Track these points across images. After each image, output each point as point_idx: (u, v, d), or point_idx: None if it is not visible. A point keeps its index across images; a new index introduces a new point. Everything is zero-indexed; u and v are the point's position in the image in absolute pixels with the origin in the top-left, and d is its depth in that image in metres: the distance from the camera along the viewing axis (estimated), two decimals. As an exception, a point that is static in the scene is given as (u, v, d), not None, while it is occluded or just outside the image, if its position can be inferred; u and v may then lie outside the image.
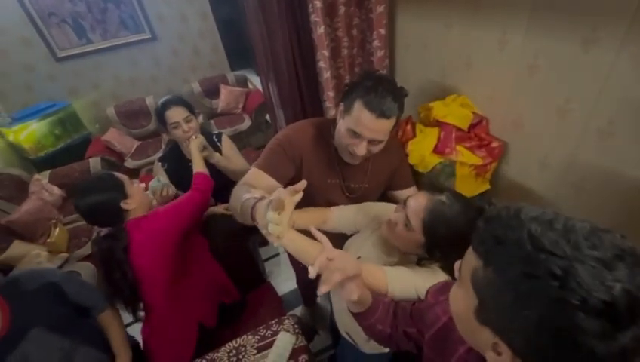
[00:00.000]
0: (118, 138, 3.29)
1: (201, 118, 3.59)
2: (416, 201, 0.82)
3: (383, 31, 1.46)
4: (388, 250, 0.96)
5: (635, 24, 0.75)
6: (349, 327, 1.14)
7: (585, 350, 0.33)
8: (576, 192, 1.01)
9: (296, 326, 1.30)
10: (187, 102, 1.55)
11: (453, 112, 1.15)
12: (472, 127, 1.21)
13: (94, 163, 2.95)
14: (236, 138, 3.35)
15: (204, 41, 3.71)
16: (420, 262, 0.91)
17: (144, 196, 1.27)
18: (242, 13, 1.93)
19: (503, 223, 0.40)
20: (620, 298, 0.32)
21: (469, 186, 1.17)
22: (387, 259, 0.96)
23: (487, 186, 1.23)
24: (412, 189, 1.16)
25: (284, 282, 2.20)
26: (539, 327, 0.35)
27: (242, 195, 0.85)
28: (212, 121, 3.73)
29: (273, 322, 1.33)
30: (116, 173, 1.22)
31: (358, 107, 0.87)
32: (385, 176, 1.14)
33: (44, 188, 2.67)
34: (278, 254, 2.46)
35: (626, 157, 0.87)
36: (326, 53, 1.44)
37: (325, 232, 0.76)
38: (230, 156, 1.68)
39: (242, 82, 3.92)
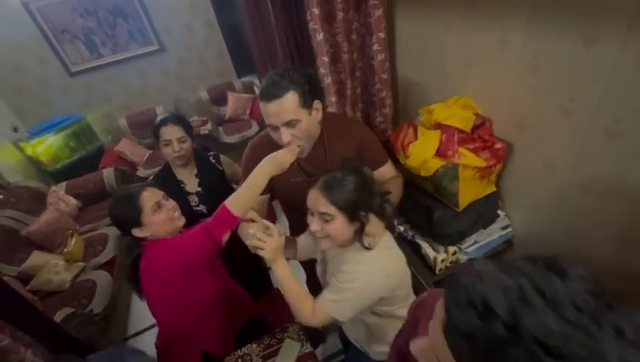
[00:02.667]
0: (130, 148, 3.39)
1: (209, 126, 3.66)
2: (313, 196, 0.89)
3: (382, 34, 1.45)
4: (342, 256, 0.98)
5: (636, 20, 0.73)
6: (356, 334, 1.14)
7: None
8: (584, 193, 0.98)
9: (301, 332, 1.30)
10: (187, 123, 1.55)
11: (455, 114, 1.14)
12: (476, 128, 1.20)
13: (108, 173, 3.04)
14: (245, 144, 3.42)
15: (210, 50, 3.78)
16: (362, 240, 0.92)
17: (166, 222, 1.15)
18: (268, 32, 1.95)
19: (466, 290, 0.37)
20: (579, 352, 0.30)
21: (473, 189, 1.15)
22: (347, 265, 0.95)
23: (492, 188, 1.21)
24: (386, 167, 1.13)
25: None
26: None
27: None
28: (220, 128, 3.79)
29: (278, 329, 1.33)
30: (144, 194, 1.11)
31: (260, 104, 0.96)
32: (344, 155, 1.10)
33: (61, 199, 2.77)
34: (287, 259, 2.47)
35: (634, 157, 0.84)
36: (326, 59, 1.45)
37: (304, 263, 0.81)
38: (234, 173, 1.70)
39: (249, 88, 3.97)
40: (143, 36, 3.42)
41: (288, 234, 1.39)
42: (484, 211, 1.22)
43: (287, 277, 0.95)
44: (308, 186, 1.07)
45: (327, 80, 1.50)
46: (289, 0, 1.37)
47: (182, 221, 1.22)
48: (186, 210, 1.61)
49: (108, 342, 2.05)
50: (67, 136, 3.22)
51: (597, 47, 0.81)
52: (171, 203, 1.20)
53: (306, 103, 0.94)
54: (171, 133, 1.47)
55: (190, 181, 1.61)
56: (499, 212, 1.27)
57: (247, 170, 1.06)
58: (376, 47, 1.49)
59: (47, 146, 3.09)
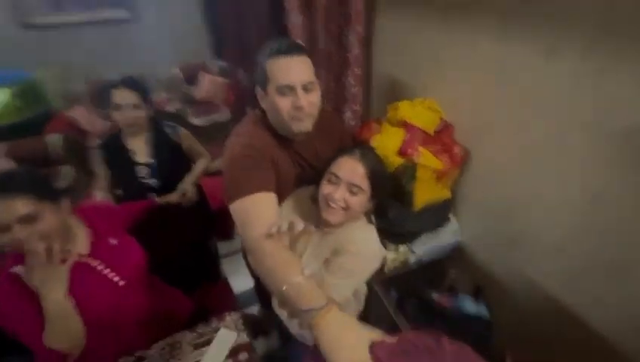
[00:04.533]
0: (86, 116, 3.14)
1: (178, 104, 3.50)
2: (349, 165, 0.83)
3: (360, 28, 1.46)
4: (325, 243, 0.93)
5: (595, 36, 0.76)
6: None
7: None
8: (530, 206, 1.02)
9: (239, 321, 1.24)
10: (144, 88, 1.45)
11: (420, 114, 1.15)
12: (438, 132, 1.21)
13: (53, 139, 2.79)
14: (214, 128, 3.28)
15: (186, 26, 3.62)
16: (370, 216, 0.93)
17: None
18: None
19: None
20: None
21: (429, 191, 1.16)
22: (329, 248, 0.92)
23: (447, 194, 1.23)
24: None
25: (243, 280, 2.12)
26: None
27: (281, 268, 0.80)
28: (189, 110, 3.64)
29: (215, 318, 1.26)
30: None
31: (270, 64, 0.85)
32: (333, 153, 1.03)
33: (-6, 161, 2.50)
34: (236, 252, 2.39)
35: (578, 170, 0.87)
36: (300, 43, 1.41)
37: None
38: (193, 148, 1.63)
39: (224, 72, 3.85)
40: (117, 0, 3.21)
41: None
42: (437, 214, 1.23)
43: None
44: (307, 176, 1.01)
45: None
46: None
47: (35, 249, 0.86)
48: (133, 181, 1.51)
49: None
50: (12, 95, 2.92)
51: (556, 60, 0.85)
52: (34, 232, 0.85)
53: (314, 71, 0.88)
54: (123, 97, 1.37)
55: (141, 150, 1.50)
56: (450, 216, 1.30)
57: (254, 170, 0.91)
58: (352, 39, 1.48)
59: (-15, 101, 2.78)
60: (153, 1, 3.35)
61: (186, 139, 1.62)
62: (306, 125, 0.91)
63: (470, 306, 1.24)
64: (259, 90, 0.92)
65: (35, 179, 0.88)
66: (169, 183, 1.55)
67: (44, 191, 0.88)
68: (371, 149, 0.90)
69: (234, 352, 1.15)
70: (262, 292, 1.84)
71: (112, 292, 1.05)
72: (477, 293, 1.29)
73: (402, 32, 1.36)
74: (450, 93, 1.19)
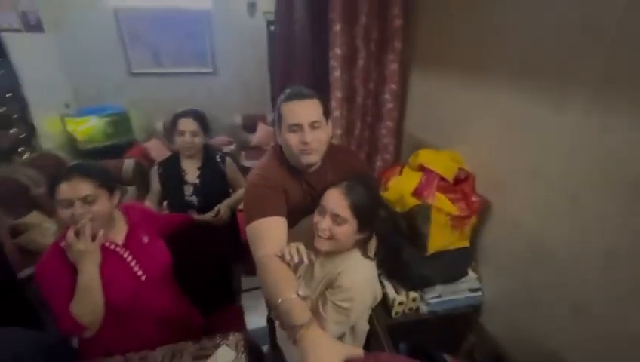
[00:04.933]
0: (156, 147, 3.66)
1: (233, 147, 3.93)
2: (333, 196, 0.91)
3: (394, 86, 1.62)
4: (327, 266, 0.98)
5: (599, 91, 0.80)
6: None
7: None
8: (548, 260, 0.96)
9: (241, 343, 1.25)
10: (205, 121, 1.74)
11: (438, 161, 1.20)
12: (459, 182, 1.24)
13: (128, 163, 3.26)
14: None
15: (255, 82, 4.20)
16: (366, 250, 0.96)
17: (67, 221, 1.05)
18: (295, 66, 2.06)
19: None
20: None
21: (443, 236, 1.16)
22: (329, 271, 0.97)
23: (465, 243, 1.21)
24: None
25: (259, 318, 2.12)
26: None
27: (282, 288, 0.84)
28: (243, 152, 4.03)
29: (219, 335, 1.29)
30: (62, 186, 1.00)
31: (284, 107, 1.02)
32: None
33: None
34: (258, 288, 2.42)
35: (593, 224, 0.84)
36: (339, 94, 1.61)
37: None
38: (235, 179, 1.82)
39: (279, 124, 4.28)
40: (203, 58, 3.91)
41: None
42: (453, 263, 1.20)
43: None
44: (317, 206, 1.04)
45: (337, 113, 1.64)
46: (318, 38, 1.57)
47: (90, 227, 1.04)
48: (179, 196, 1.72)
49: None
50: (107, 123, 3.57)
51: (565, 113, 0.88)
52: (90, 211, 1.03)
53: (325, 115, 1.04)
54: (187, 125, 1.64)
55: (192, 172, 1.73)
56: (470, 271, 1.24)
57: (266, 197, 1.03)
58: (387, 96, 1.64)
59: (87, 127, 3.43)
60: (232, 59, 4.01)
61: (230, 169, 1.84)
62: (312, 158, 1.04)
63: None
64: (276, 129, 1.08)
65: (99, 170, 1.09)
66: (208, 204, 1.72)
67: (104, 180, 1.08)
68: (361, 184, 0.93)
69: (229, 370, 1.15)
70: (273, 333, 1.83)
71: (133, 283, 1.17)
72: (497, 363, 1.16)
73: (431, 90, 1.48)
74: (472, 147, 1.24)
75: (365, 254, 0.95)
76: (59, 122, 3.34)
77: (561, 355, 0.95)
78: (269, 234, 0.98)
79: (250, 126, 4.19)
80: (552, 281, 0.96)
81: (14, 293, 1.64)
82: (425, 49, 1.51)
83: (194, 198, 1.73)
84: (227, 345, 1.25)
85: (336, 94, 1.60)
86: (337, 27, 1.47)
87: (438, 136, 1.44)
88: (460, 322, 1.26)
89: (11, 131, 2.68)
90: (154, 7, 3.55)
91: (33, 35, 3.06)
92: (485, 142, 1.17)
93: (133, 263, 1.18)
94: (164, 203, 1.80)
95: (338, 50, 1.52)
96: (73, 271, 1.04)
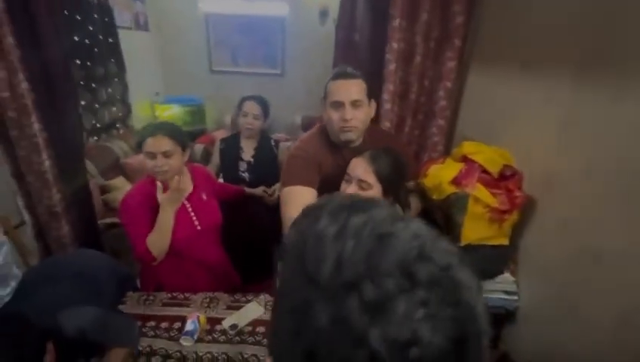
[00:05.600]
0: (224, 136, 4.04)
1: (289, 143, 4.15)
2: (358, 164, 0.98)
3: (449, 84, 1.62)
4: None
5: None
6: None
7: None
8: (594, 263, 0.89)
9: (269, 304, 1.35)
10: (267, 107, 1.92)
11: (483, 153, 1.19)
12: (505, 178, 1.20)
13: (198, 148, 3.67)
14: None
15: (319, 86, 4.40)
16: None
17: (149, 170, 1.26)
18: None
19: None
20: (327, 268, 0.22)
21: (479, 228, 1.13)
22: None
23: (504, 240, 1.16)
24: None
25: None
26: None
27: None
28: (298, 150, 4.25)
29: (252, 293, 1.41)
30: (149, 140, 1.21)
31: (330, 85, 1.12)
32: None
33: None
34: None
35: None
36: (392, 87, 1.66)
37: None
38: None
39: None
40: (273, 60, 4.25)
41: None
42: (489, 260, 1.15)
43: None
44: None
45: (387, 106, 1.68)
46: (377, 44, 1.65)
47: (165, 177, 1.25)
48: (233, 171, 1.92)
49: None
50: (186, 112, 4.06)
51: (623, 101, 0.83)
52: (167, 163, 1.23)
53: (368, 96, 1.13)
54: (251, 107, 1.85)
55: (248, 151, 1.93)
56: (507, 274, 1.18)
57: (301, 168, 1.15)
58: (441, 93, 1.65)
59: (170, 113, 3.94)
60: (299, 63, 4.28)
61: (283, 154, 1.99)
62: (351, 135, 1.12)
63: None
64: (322, 106, 1.18)
65: (177, 130, 1.30)
66: (258, 182, 1.89)
67: (181, 140, 1.29)
68: (386, 153, 0.99)
69: (255, 323, 1.26)
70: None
71: (191, 230, 1.36)
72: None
73: (487, 88, 1.46)
74: (523, 144, 1.19)
75: None
76: (149, 107, 3.91)
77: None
78: (298, 200, 1.08)
79: (308, 126, 4.40)
80: (598, 288, 0.89)
81: (94, 236, 1.97)
82: (485, 46, 1.49)
83: (246, 175, 1.91)
84: (257, 302, 1.36)
85: (389, 87, 1.65)
86: (396, 22, 1.54)
87: (490, 134, 1.41)
88: (494, 326, 1.20)
89: (113, 109, 3.21)
90: (238, 13, 3.99)
91: (140, 32, 3.66)
92: (538, 139, 1.13)
93: (192, 214, 1.37)
94: (221, 176, 2.02)
95: (395, 45, 1.58)
96: (154, 208, 1.25)
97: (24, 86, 1.33)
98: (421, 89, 1.73)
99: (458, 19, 1.54)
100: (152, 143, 1.23)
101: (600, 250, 0.88)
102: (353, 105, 1.08)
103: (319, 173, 1.17)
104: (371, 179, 0.95)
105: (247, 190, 1.85)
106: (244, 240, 1.86)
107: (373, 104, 1.17)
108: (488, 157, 1.17)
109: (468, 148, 1.21)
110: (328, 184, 1.18)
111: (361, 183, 0.96)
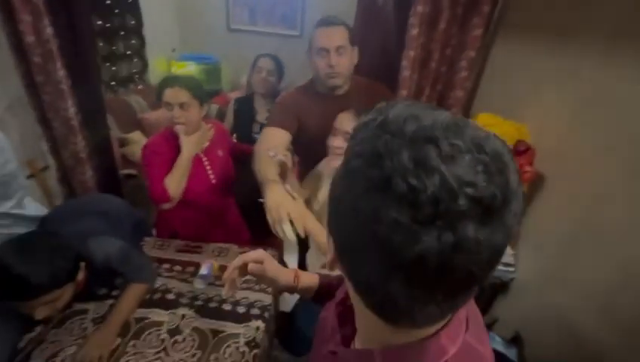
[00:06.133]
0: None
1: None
2: (344, 117, 1.05)
3: (472, 53, 1.56)
4: None
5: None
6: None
7: (387, 246, 0.27)
8: (595, 239, 0.91)
9: (276, 258, 1.44)
10: (281, 65, 1.91)
11: (496, 125, 1.18)
12: (517, 154, 1.20)
13: (213, 108, 3.68)
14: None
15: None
16: None
17: (165, 120, 1.35)
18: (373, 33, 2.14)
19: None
20: (430, 185, 0.25)
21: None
22: None
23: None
24: None
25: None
26: (349, 217, 0.31)
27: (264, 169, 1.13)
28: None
29: (260, 248, 1.49)
30: (167, 90, 1.26)
31: (314, 33, 1.19)
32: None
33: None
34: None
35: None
36: (412, 53, 1.59)
37: None
38: None
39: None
40: (292, 21, 4.11)
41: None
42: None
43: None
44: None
45: (406, 73, 1.65)
46: (401, 12, 1.58)
47: (183, 130, 1.31)
48: (247, 131, 1.95)
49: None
50: (202, 71, 4.04)
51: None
52: (184, 115, 1.28)
53: (351, 42, 1.17)
54: (265, 63, 1.85)
55: (262, 112, 1.94)
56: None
57: (279, 112, 1.33)
58: (463, 63, 1.60)
59: (186, 71, 3.93)
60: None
61: None
62: (336, 81, 1.22)
63: (499, 347, 1.12)
64: (307, 55, 1.26)
65: (196, 83, 1.33)
66: None
67: (199, 93, 1.32)
68: (368, 109, 1.01)
69: (261, 274, 1.35)
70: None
71: (205, 182, 1.44)
72: (514, 341, 1.15)
73: (511, 59, 1.41)
74: (542, 119, 1.18)
75: None
76: (165, 63, 3.90)
77: (589, 345, 0.91)
78: (270, 138, 1.28)
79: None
80: (592, 264, 0.92)
81: (116, 183, 2.07)
82: (513, 14, 1.42)
83: (259, 136, 1.94)
84: (264, 255, 1.45)
85: (410, 54, 1.61)
86: (424, -17, 1.47)
87: (509, 107, 1.38)
88: (484, 294, 1.26)
89: (131, 64, 3.23)
90: (259, -32, 3.82)
91: (158, -16, 3.57)
92: (557, 115, 1.11)
93: (208, 167, 1.44)
94: (234, 136, 2.05)
95: (420, 8, 1.51)
96: (175, 151, 1.32)
97: (49, 31, 1.36)
98: (442, 58, 1.68)
99: (490, -16, 1.46)
100: (169, 94, 1.26)
101: (600, 226, 0.89)
102: (337, 52, 1.15)
103: (298, 120, 1.33)
104: None
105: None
106: (255, 198, 1.92)
107: (356, 51, 1.24)
108: (503, 130, 1.17)
109: (482, 120, 1.21)
110: (315, 130, 1.31)
111: (347, 135, 1.00)
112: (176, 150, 1.33)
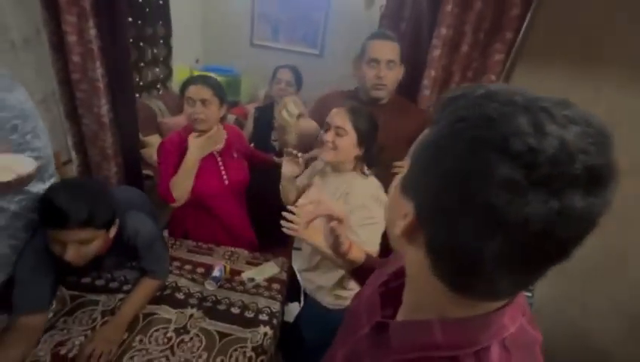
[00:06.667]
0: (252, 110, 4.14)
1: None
2: (337, 113, 1.10)
3: (494, 77, 1.59)
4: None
5: None
6: (324, 280, 1.22)
7: (489, 206, 0.27)
8: (620, 264, 0.90)
9: (285, 265, 1.43)
10: (299, 76, 1.99)
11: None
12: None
13: (230, 118, 3.78)
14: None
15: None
16: (363, 167, 1.16)
17: (186, 118, 1.37)
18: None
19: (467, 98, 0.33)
20: (550, 147, 0.26)
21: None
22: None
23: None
24: None
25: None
26: (447, 177, 0.31)
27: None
28: (326, 133, 4.29)
29: (271, 254, 1.49)
30: (191, 87, 1.31)
31: (368, 43, 1.24)
32: (399, 135, 1.28)
33: (192, 116, 3.59)
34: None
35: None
36: (444, 31, 1.55)
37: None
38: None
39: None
40: (312, 40, 4.26)
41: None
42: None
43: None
44: None
45: (426, 92, 1.68)
46: (422, 37, 1.63)
47: (201, 126, 1.34)
48: (265, 139, 2.00)
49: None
50: (222, 82, 4.09)
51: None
52: (204, 112, 1.31)
53: (400, 59, 1.24)
54: (284, 74, 1.91)
55: (281, 119, 1.99)
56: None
57: (314, 112, 1.41)
58: (498, 45, 1.55)
59: (207, 81, 4.08)
60: (337, 45, 4.28)
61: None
62: (381, 93, 1.27)
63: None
64: (356, 63, 1.32)
65: (217, 84, 1.38)
66: None
67: (220, 93, 1.37)
68: (362, 109, 1.12)
69: (271, 280, 1.35)
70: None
71: (218, 183, 1.46)
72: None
73: (532, 83, 1.43)
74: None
75: (362, 173, 1.14)
76: (188, 72, 4.04)
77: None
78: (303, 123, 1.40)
79: (339, 111, 4.43)
80: (621, 289, 0.89)
81: (138, 180, 2.11)
82: (538, 40, 1.46)
83: (277, 143, 1.98)
84: (275, 262, 1.45)
85: (431, 73, 1.65)
86: (449, 7, 1.53)
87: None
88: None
89: (156, 70, 3.36)
90: (284, -13, 4.01)
91: (188, -1, 3.77)
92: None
93: (222, 168, 1.46)
94: (252, 144, 2.10)
95: (444, 30, 1.57)
96: (184, 151, 1.35)
97: (92, 32, 1.44)
98: (463, 79, 1.71)
99: (514, 11, 1.50)
100: (193, 90, 1.31)
101: (625, 252, 0.88)
102: (387, 65, 1.21)
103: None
104: (348, 126, 1.07)
105: (277, 159, 1.92)
106: (266, 207, 1.94)
107: (402, 68, 1.29)
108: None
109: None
110: None
111: (338, 130, 1.08)
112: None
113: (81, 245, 0.94)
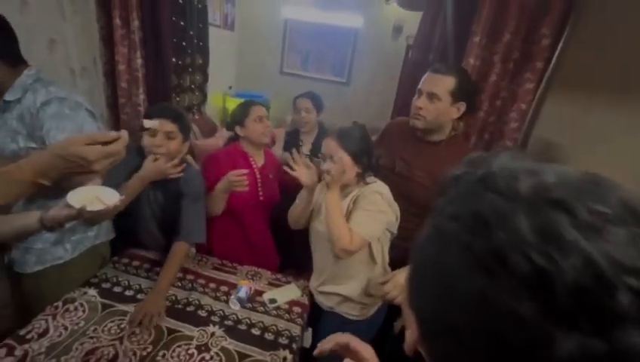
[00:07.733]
0: (281, 135, 4.29)
1: (344, 151, 4.27)
2: (327, 143, 1.17)
3: (524, 106, 1.59)
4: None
5: None
6: (349, 290, 1.28)
7: (499, 342, 0.21)
8: None
9: (307, 289, 1.43)
10: (320, 102, 2.07)
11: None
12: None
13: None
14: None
15: (379, 97, 4.49)
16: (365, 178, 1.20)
17: (259, 132, 1.56)
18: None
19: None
20: (570, 269, 0.18)
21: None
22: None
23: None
24: None
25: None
26: (436, 291, 0.25)
27: None
28: (351, 158, 4.34)
29: (294, 275, 1.50)
30: (254, 107, 1.58)
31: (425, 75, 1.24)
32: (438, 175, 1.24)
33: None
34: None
35: None
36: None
37: None
38: None
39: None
40: (340, 69, 4.42)
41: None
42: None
43: (336, 204, 1.16)
44: (404, 179, 1.33)
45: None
46: (452, 54, 1.68)
47: (267, 139, 1.62)
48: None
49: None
50: (252, 107, 4.38)
51: None
52: (269, 124, 1.59)
53: (454, 95, 1.19)
54: (303, 103, 2.02)
55: (307, 144, 2.09)
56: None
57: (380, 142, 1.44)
58: (514, 115, 1.62)
59: (238, 106, 4.30)
60: (364, 74, 4.41)
61: None
62: (416, 123, 1.26)
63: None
64: None
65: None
66: None
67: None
68: (350, 128, 1.18)
69: (292, 303, 1.35)
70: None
71: (253, 199, 1.55)
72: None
73: (564, 112, 1.41)
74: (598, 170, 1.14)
75: (364, 182, 1.19)
76: (220, 98, 4.30)
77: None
78: None
79: (364, 137, 4.49)
80: None
81: None
82: (569, 69, 1.45)
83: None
84: (296, 284, 1.45)
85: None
86: (477, 39, 1.57)
87: (562, 161, 1.36)
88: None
89: (193, 95, 3.60)
90: (315, 21, 4.24)
91: (226, 31, 4.08)
92: (612, 171, 1.07)
93: (260, 185, 1.54)
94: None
95: (472, 61, 1.60)
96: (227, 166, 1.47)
97: (139, 62, 1.60)
98: (491, 108, 1.72)
99: (544, 42, 1.51)
100: (256, 110, 1.57)
101: None
102: (428, 97, 1.19)
103: (388, 148, 1.37)
104: (340, 153, 1.12)
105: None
106: (290, 231, 1.96)
107: (462, 106, 1.22)
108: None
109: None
110: (390, 161, 1.34)
111: (333, 158, 1.13)
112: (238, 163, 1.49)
113: (165, 138, 1.22)
